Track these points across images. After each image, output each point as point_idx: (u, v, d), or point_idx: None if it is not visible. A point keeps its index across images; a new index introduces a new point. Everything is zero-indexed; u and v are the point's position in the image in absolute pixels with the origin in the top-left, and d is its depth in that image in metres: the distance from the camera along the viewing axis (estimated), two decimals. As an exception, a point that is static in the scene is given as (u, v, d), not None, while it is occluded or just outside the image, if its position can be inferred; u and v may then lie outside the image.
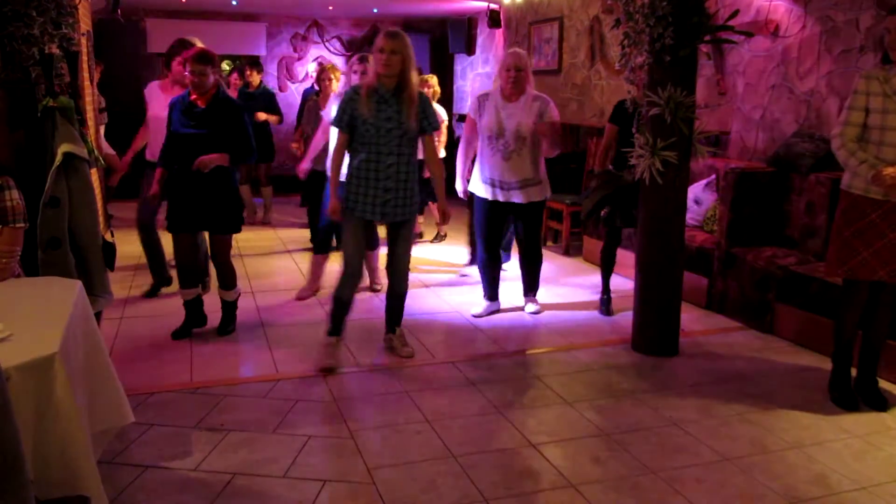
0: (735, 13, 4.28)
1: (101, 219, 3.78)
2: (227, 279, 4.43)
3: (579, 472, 2.91)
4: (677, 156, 3.93)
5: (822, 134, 4.88)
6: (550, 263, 6.39)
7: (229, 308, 4.51)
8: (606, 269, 5.01)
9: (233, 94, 7.80)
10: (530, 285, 4.98)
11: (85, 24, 6.11)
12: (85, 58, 5.58)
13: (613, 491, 2.77)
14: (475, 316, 4.85)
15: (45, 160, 3.33)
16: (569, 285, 5.69)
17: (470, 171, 4.90)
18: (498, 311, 4.93)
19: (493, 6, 9.23)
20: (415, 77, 3.72)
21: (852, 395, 3.55)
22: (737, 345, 4.38)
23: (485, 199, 4.71)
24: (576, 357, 4.16)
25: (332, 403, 3.50)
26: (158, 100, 5.12)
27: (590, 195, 4.87)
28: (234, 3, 9.45)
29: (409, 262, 4.03)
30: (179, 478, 2.82)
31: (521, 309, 5.02)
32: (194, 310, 4.41)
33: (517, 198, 4.61)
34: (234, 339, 4.39)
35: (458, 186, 5.01)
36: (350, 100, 3.76)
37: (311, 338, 4.29)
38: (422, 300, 5.23)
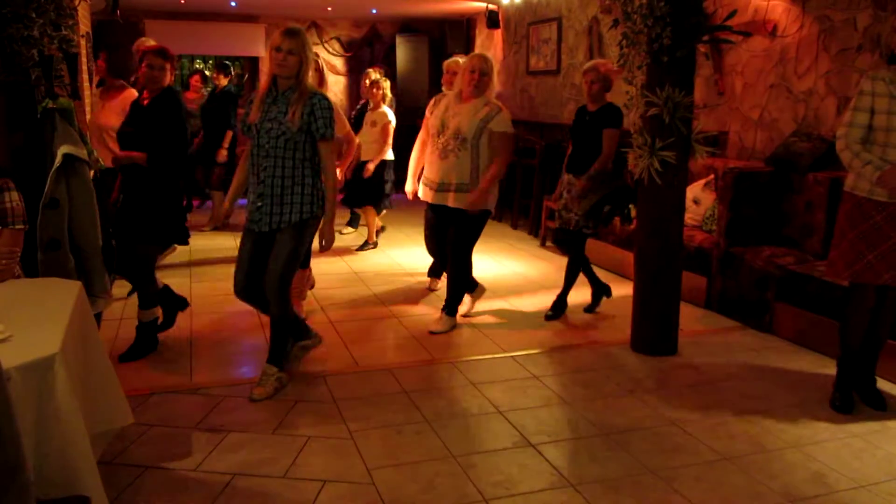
0: (733, 13, 4.28)
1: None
2: (140, 295, 4.10)
3: (579, 471, 2.91)
4: (676, 156, 3.94)
5: (820, 133, 4.89)
6: (549, 263, 6.40)
7: (141, 330, 4.10)
8: (586, 268, 4.92)
9: (192, 95, 7.87)
10: (447, 299, 4.63)
11: (84, 25, 6.11)
12: (84, 59, 5.60)
13: (613, 491, 2.78)
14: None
15: (44, 161, 3.34)
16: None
17: (419, 171, 4.84)
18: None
19: (491, 7, 9.24)
20: (311, 79, 3.47)
21: (851, 399, 3.53)
22: (735, 344, 4.39)
23: (426, 201, 4.63)
24: (575, 357, 4.17)
25: (332, 403, 3.51)
26: (100, 107, 5.13)
27: (588, 195, 4.87)
28: (232, 3, 9.45)
29: (279, 279, 3.48)
30: (179, 478, 2.82)
31: (521, 310, 5.03)
32: (166, 298, 4.26)
33: (449, 201, 4.42)
34: (234, 340, 4.39)
35: (408, 187, 4.98)
36: (249, 103, 3.62)
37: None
38: (419, 301, 5.24)
